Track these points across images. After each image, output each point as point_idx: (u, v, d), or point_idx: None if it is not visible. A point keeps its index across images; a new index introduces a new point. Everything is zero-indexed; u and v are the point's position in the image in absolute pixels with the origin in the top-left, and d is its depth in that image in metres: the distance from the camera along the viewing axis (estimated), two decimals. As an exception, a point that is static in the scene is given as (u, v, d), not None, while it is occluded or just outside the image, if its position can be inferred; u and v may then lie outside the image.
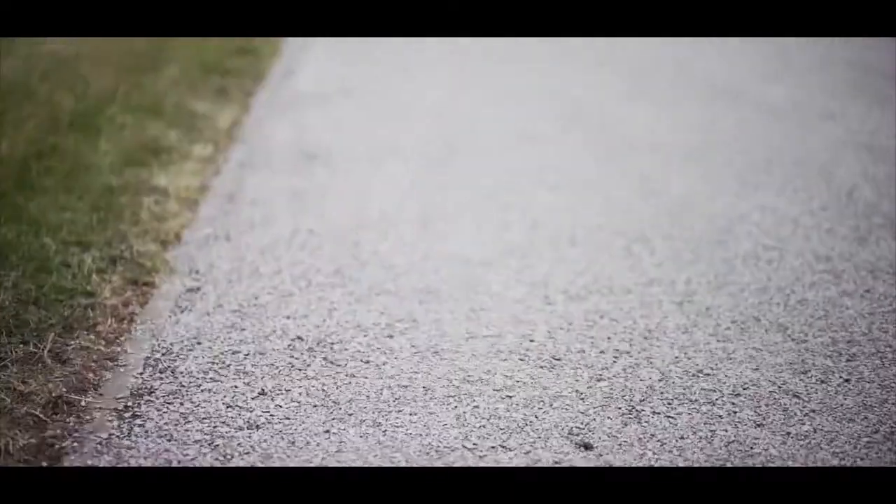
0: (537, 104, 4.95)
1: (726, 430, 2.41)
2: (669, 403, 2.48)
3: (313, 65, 5.52)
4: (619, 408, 2.45)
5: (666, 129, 4.63)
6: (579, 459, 2.34)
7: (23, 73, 4.66)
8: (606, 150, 4.34)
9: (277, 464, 2.28)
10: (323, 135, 4.36)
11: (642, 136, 4.52)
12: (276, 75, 5.32)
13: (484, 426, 2.37)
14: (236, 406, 2.39)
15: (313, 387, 2.47)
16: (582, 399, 2.48)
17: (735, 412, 2.47)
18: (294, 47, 5.98)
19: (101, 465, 2.29)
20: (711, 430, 2.41)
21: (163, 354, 2.59)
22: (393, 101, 4.96)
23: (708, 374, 2.61)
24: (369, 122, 4.58)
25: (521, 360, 2.63)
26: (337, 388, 2.47)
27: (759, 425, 2.44)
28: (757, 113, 4.94)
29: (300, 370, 2.54)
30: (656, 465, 2.38)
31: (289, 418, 2.36)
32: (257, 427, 2.32)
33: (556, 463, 2.34)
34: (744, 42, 6.18)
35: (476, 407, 2.43)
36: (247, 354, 2.60)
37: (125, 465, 2.28)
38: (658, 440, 2.38)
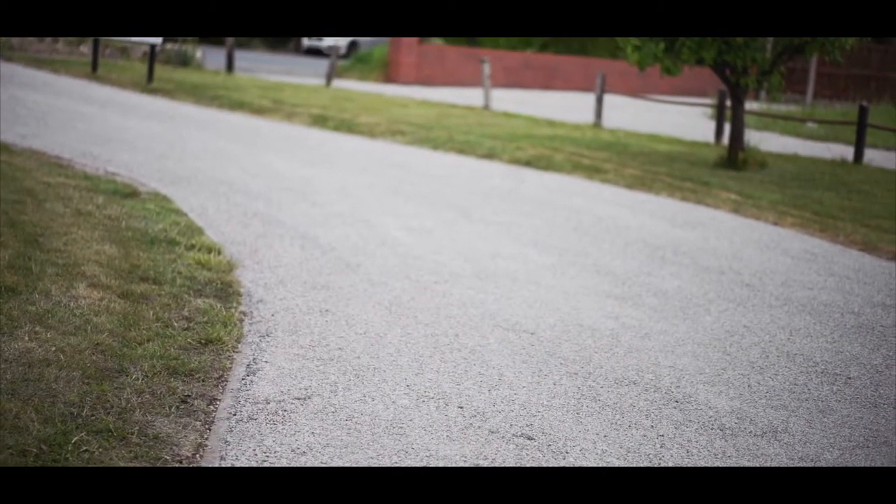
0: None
1: None
2: None
3: (274, 366, 5.68)
4: None
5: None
6: None
7: (-7, 387, 4.77)
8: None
9: None
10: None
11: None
12: (236, 377, 5.46)
13: None
14: None
15: None
16: None
17: None
18: (256, 335, 6.15)
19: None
20: None
21: None
22: (350, 412, 5.10)
23: None
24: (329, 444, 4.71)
25: None
26: None
27: None
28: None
29: None
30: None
31: None
32: None
33: None
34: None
35: None
36: None
37: None
38: None
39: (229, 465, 4.42)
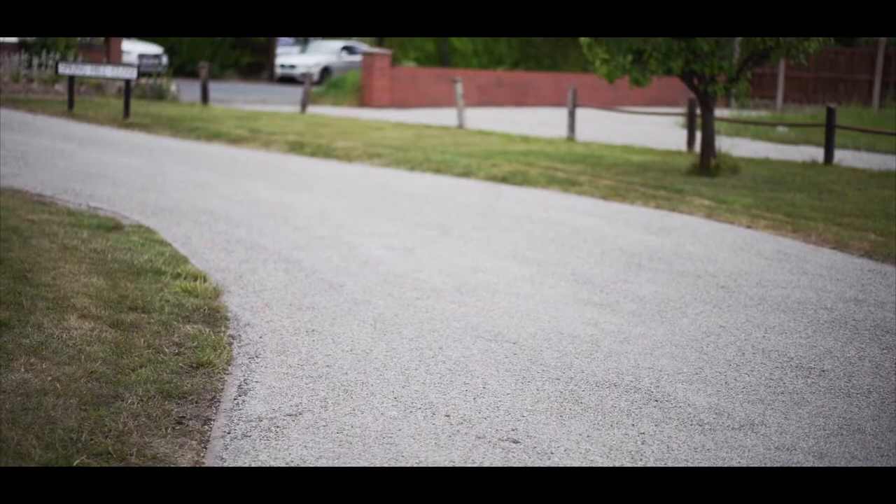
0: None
1: None
2: None
3: (265, 385, 5.84)
4: None
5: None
6: None
7: (-7, 417, 4.92)
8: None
9: None
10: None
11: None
12: (229, 398, 5.62)
13: None
14: None
15: None
16: None
17: None
18: (245, 357, 6.31)
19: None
20: None
21: None
22: (341, 424, 5.27)
23: None
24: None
25: None
26: None
27: None
28: (681, 436, 5.31)
29: None
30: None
31: None
32: None
33: None
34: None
35: None
36: None
37: None
38: None
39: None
